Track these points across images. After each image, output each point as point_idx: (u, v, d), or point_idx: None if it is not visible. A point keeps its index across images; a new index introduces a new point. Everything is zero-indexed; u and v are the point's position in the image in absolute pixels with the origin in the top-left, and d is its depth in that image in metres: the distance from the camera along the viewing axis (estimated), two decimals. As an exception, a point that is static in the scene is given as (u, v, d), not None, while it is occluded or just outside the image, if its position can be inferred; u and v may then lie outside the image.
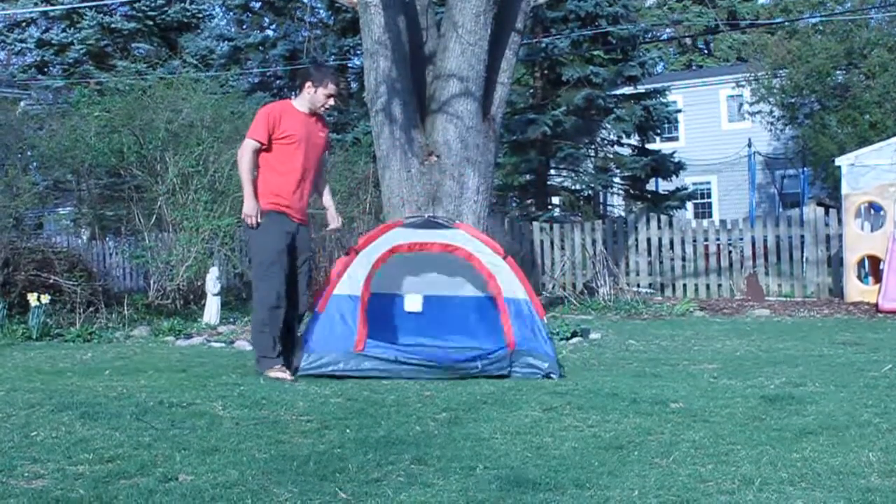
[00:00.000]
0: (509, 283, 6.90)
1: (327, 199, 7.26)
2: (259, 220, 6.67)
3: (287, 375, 6.47)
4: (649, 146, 24.58)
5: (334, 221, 7.27)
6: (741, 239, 14.95)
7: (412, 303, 7.42)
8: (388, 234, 6.97)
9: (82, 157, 14.52)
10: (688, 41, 44.59)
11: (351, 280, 6.75)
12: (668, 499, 3.63)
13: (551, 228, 15.98)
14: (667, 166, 22.78)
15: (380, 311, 7.01)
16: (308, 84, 6.87)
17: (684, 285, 14.89)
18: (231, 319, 11.42)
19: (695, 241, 15.03)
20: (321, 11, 26.26)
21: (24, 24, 29.97)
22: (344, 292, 6.74)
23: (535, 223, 16.37)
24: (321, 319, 6.70)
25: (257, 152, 6.74)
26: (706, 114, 33.63)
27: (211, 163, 13.29)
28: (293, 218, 6.78)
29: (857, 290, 13.15)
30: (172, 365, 7.62)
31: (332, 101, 6.90)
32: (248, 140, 6.75)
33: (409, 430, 4.85)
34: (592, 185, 23.53)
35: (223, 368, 7.29)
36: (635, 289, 14.71)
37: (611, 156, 23.87)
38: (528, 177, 23.38)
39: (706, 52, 46.09)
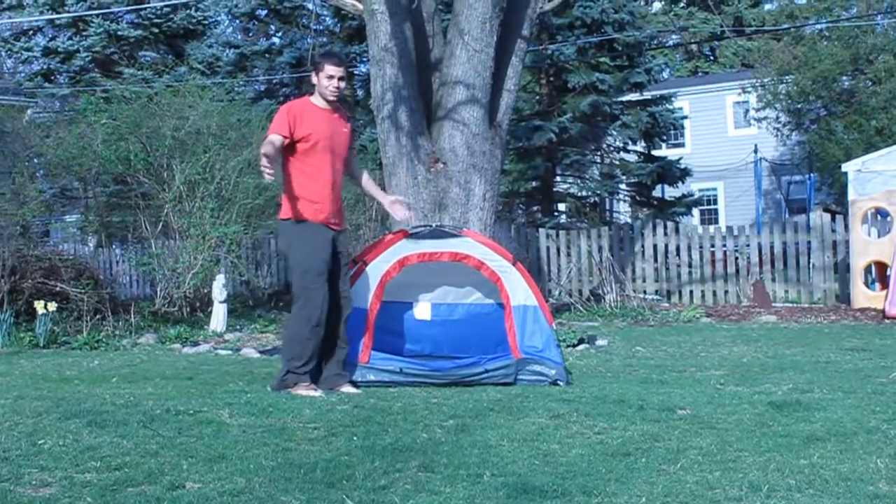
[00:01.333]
0: (518, 290, 6.88)
1: (374, 188, 7.10)
2: (270, 167, 6.09)
3: (316, 392, 6.21)
4: (655, 152, 24.58)
5: (390, 198, 7.06)
6: (748, 245, 14.94)
7: (421, 311, 7.41)
8: (396, 245, 6.86)
9: (89, 165, 14.57)
10: (693, 47, 44.57)
11: (359, 293, 6.73)
12: (675, 506, 3.62)
13: (557, 235, 15.98)
14: (673, 172, 22.76)
15: (389, 319, 6.99)
16: (312, 75, 6.64)
17: (691, 292, 14.88)
18: (238, 327, 11.43)
19: (701, 247, 15.02)
20: (327, 19, 26.31)
21: (30, 32, 30.11)
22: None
23: (541, 230, 16.37)
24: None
25: (280, 147, 6.34)
26: (712, 120, 33.57)
27: (217, 170, 13.31)
28: (331, 226, 6.50)
29: (864, 295, 13.13)
30: (179, 372, 7.63)
31: (335, 83, 6.49)
32: (271, 135, 6.35)
33: (416, 437, 4.85)
34: (598, 191, 23.54)
35: (230, 376, 7.30)
36: (642, 295, 14.69)
37: (617, 162, 23.87)
38: (534, 183, 23.39)
39: (712, 58, 46.04)
